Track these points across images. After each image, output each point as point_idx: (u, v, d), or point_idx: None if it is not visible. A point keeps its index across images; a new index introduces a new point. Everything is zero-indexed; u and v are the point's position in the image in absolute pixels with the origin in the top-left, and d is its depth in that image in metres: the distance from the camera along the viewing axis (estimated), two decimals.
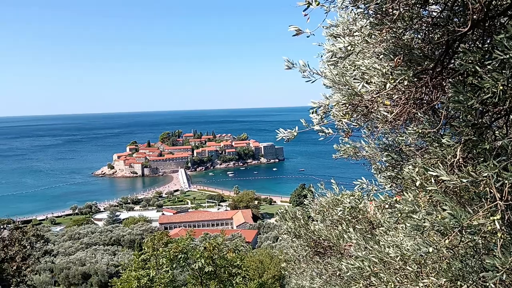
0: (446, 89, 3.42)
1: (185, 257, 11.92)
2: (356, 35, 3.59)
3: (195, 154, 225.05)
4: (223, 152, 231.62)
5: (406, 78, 3.17)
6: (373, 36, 3.44)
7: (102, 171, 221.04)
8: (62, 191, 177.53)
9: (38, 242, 18.36)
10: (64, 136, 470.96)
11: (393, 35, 3.30)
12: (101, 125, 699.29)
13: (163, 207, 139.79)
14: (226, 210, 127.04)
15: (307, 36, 3.31)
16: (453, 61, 3.28)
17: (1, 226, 17.60)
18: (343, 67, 3.77)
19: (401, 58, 3.24)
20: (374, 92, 3.37)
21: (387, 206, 4.49)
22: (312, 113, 3.76)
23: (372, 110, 3.57)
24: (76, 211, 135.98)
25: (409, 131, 3.42)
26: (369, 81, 3.39)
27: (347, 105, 3.46)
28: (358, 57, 3.54)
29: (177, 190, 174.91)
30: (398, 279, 3.69)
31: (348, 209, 4.90)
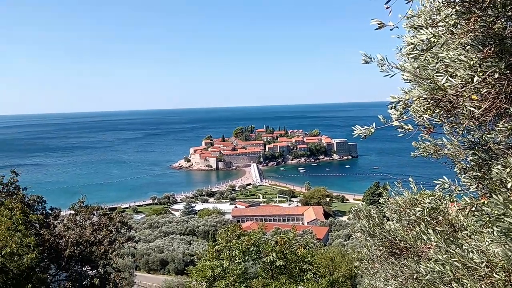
0: None
1: (257, 250, 12.12)
2: (440, 26, 3.38)
3: (267, 149, 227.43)
4: (295, 148, 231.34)
5: (497, 70, 2.93)
6: (459, 26, 3.21)
7: (179, 164, 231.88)
8: (143, 182, 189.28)
9: (123, 228, 19.67)
10: (143, 130, 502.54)
11: (483, 24, 3.06)
12: (177, 120, 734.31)
13: (236, 200, 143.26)
14: (297, 205, 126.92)
15: (390, 29, 3.18)
16: None
17: (92, 212, 19.12)
18: (424, 60, 3.57)
19: (492, 49, 3.00)
20: (459, 86, 3.16)
21: (472, 208, 4.20)
22: (391, 108, 3.61)
23: (457, 105, 3.35)
24: (156, 201, 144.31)
25: (499, 128, 3.16)
26: (453, 74, 3.18)
27: (428, 100, 3.28)
28: (442, 49, 3.33)
29: (249, 184, 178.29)
30: (483, 286, 3.44)
31: (427, 210, 4.66)
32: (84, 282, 17.27)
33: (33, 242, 10.01)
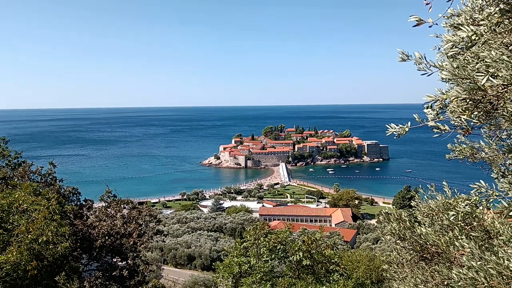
0: None
1: (284, 248, 12.10)
2: (481, 24, 3.27)
3: (296, 149, 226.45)
4: (324, 149, 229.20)
5: None
6: (502, 25, 3.10)
7: (209, 161, 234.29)
8: (173, 177, 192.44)
9: (152, 222, 20.04)
10: (173, 126, 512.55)
11: None
12: (208, 117, 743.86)
13: (264, 199, 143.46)
14: (325, 207, 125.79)
15: (429, 26, 3.10)
16: None
17: (122, 205, 19.57)
18: (464, 59, 3.46)
19: None
20: (501, 87, 3.05)
21: (510, 213, 4.04)
22: (427, 108, 3.51)
23: (497, 107, 3.23)
24: (185, 196, 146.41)
25: None
26: (495, 74, 3.07)
27: (467, 100, 3.18)
28: (483, 48, 3.21)
29: (277, 184, 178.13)
30: None
31: (462, 215, 4.52)
32: (114, 273, 17.71)
33: (67, 232, 10.36)
